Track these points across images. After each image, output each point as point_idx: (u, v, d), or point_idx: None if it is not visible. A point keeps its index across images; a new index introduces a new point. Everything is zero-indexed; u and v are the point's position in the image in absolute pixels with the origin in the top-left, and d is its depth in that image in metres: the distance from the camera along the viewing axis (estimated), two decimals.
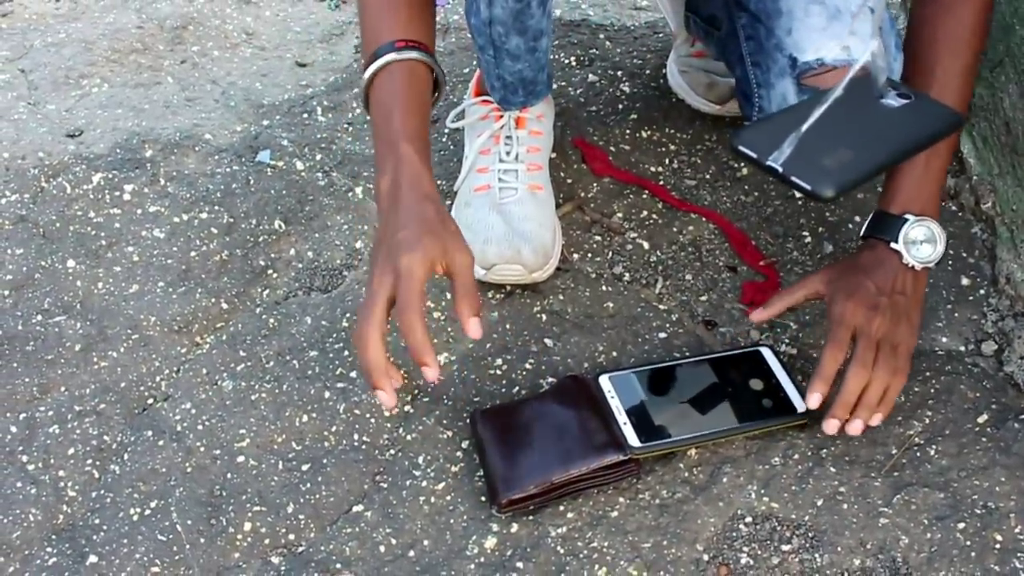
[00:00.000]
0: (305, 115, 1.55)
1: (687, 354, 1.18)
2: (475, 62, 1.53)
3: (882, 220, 1.08)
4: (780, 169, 0.74)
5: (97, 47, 1.68)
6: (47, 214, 1.35)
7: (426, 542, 1.02)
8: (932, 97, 0.93)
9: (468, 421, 1.10)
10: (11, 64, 1.64)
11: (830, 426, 1.04)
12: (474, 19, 1.12)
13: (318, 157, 1.46)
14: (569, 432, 1.06)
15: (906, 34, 1.11)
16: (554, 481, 1.02)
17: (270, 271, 1.30)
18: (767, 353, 1.16)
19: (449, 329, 1.22)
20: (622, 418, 1.06)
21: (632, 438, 1.04)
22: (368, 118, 1.07)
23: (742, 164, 1.42)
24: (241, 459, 1.09)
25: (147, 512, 1.04)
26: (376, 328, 0.93)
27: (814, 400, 1.04)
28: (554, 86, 1.55)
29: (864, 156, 0.78)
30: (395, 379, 0.95)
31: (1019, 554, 0.99)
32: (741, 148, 0.76)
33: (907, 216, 1.06)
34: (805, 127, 0.74)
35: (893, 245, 1.06)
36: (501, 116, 1.32)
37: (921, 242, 1.07)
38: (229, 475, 1.07)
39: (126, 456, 1.09)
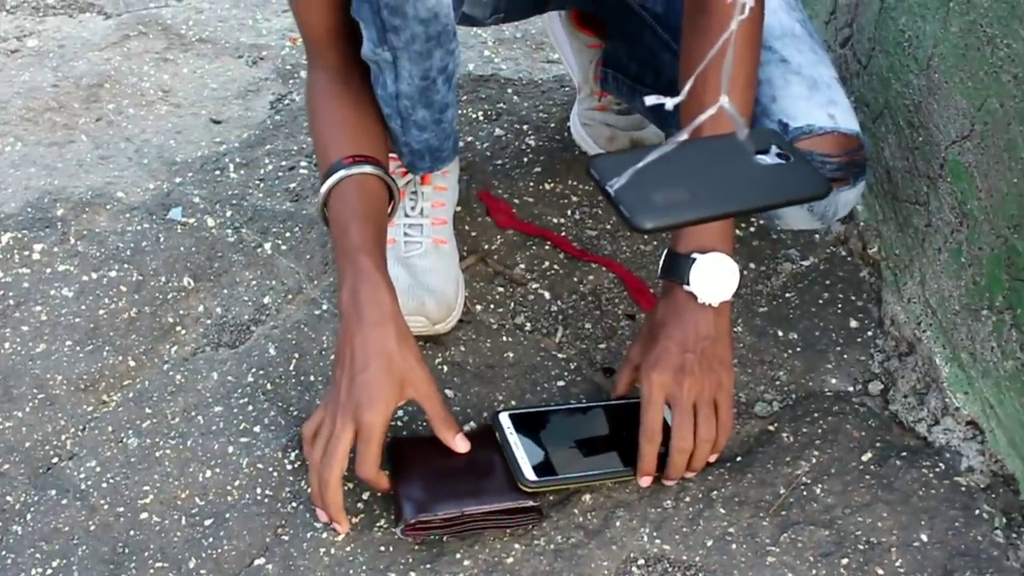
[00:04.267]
0: (217, 172, 1.57)
1: (584, 400, 1.22)
2: None
3: (673, 261, 1.11)
4: (612, 194, 0.78)
5: (11, 106, 1.70)
6: None
7: None
8: (808, 161, 0.98)
9: (386, 448, 1.12)
10: None
11: (645, 482, 1.11)
12: (381, 91, 1.15)
13: (228, 214, 1.48)
14: (485, 471, 1.09)
15: (680, 63, 1.16)
16: (465, 512, 1.04)
17: (178, 328, 1.32)
18: None
19: None
20: (519, 453, 1.09)
21: (528, 472, 1.07)
22: (326, 230, 1.16)
23: None
24: (144, 516, 1.10)
25: (49, 572, 1.05)
26: (339, 474, 1.05)
27: (644, 482, 1.11)
28: (461, 142, 1.59)
29: (700, 201, 0.82)
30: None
31: None
32: (591, 170, 0.80)
33: (694, 256, 1.08)
34: (645, 162, 0.78)
35: (686, 287, 1.09)
36: (407, 173, 1.35)
37: (713, 279, 1.09)
38: (132, 532, 1.09)
39: (29, 516, 1.10)
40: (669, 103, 0.69)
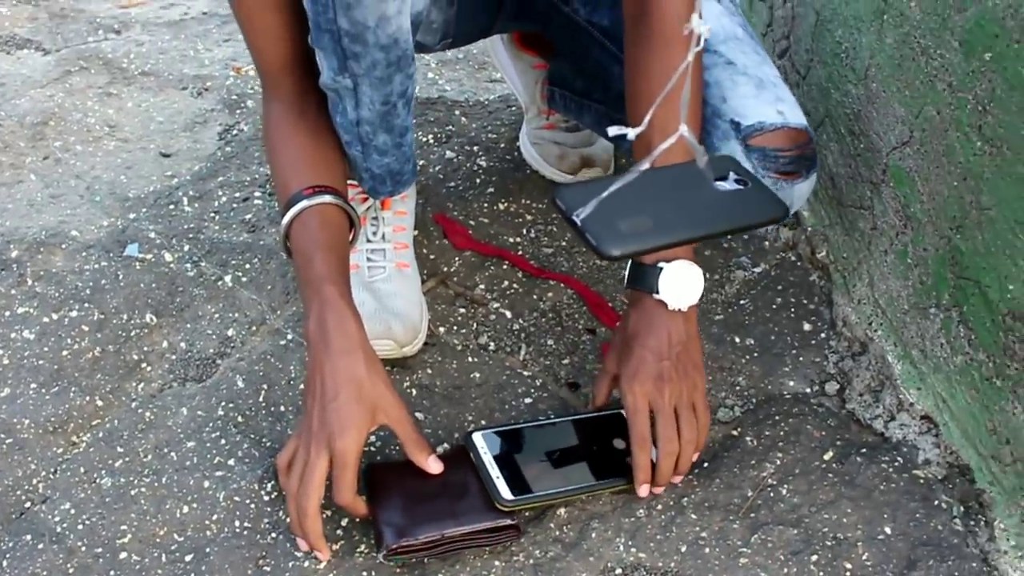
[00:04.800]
0: (171, 206, 1.58)
1: (552, 416, 1.24)
2: None
3: (639, 272, 1.15)
4: (578, 223, 0.81)
5: None
6: None
7: None
8: (766, 186, 1.02)
9: (362, 473, 1.14)
10: None
11: (644, 491, 1.14)
12: (340, 118, 1.16)
13: (186, 248, 1.49)
14: (462, 492, 1.11)
15: (626, 76, 1.19)
16: (444, 534, 1.06)
17: (144, 365, 1.32)
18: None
19: None
20: (494, 472, 1.11)
21: (505, 492, 1.09)
22: (289, 260, 1.18)
23: None
24: (124, 555, 1.10)
25: None
26: (317, 502, 1.06)
27: (644, 491, 1.14)
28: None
29: (663, 227, 0.85)
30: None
31: None
32: (556, 201, 0.83)
33: (661, 265, 1.12)
34: (608, 191, 0.81)
35: (656, 296, 1.13)
36: (367, 198, 1.37)
37: (681, 285, 1.13)
38: (112, 572, 1.09)
39: (5, 563, 1.10)
40: (631, 133, 0.72)
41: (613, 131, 0.73)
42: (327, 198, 1.14)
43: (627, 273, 1.17)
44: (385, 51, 1.08)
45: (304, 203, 1.14)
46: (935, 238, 1.14)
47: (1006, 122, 0.98)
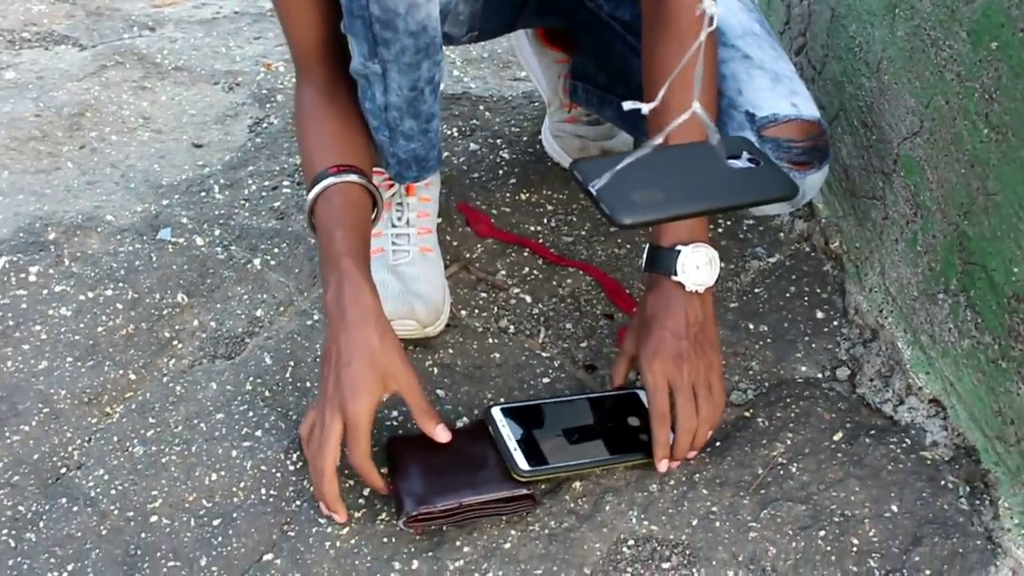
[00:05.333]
0: (203, 193, 1.63)
1: (568, 394, 1.28)
2: None
3: (657, 255, 1.19)
4: (594, 192, 0.85)
5: None
6: None
7: None
8: (777, 166, 1.06)
9: (383, 447, 1.18)
10: None
11: (663, 466, 1.18)
12: (369, 104, 1.21)
13: (217, 232, 1.54)
14: (479, 463, 1.15)
15: (642, 61, 1.24)
16: (462, 503, 1.10)
17: (175, 342, 1.37)
18: (642, 395, 1.26)
19: None
20: (512, 444, 1.15)
21: (522, 462, 1.13)
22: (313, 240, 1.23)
23: None
24: (154, 519, 1.15)
25: (64, 575, 1.10)
26: (332, 464, 1.11)
27: (663, 466, 1.18)
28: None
29: (675, 199, 0.90)
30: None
31: (874, 555, 1.10)
32: (574, 172, 0.88)
33: (679, 248, 1.17)
34: (623, 164, 0.85)
35: (674, 278, 1.17)
36: (392, 185, 1.42)
37: (698, 267, 1.17)
38: (143, 535, 1.13)
39: (41, 524, 1.14)
40: (645, 108, 0.76)
41: (628, 105, 0.77)
42: (352, 177, 1.19)
43: (645, 257, 1.21)
44: (414, 37, 1.12)
45: (330, 180, 1.18)
46: (944, 225, 1.17)
47: (1012, 109, 1.01)
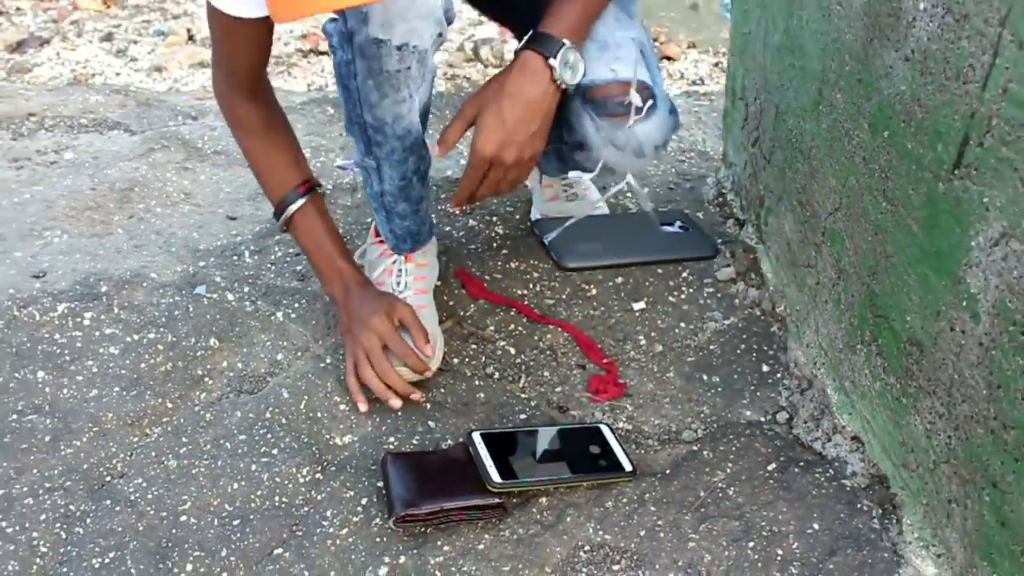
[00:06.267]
0: (235, 257, 1.86)
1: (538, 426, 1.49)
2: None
3: (543, 39, 1.38)
4: (546, 242, 1.11)
5: (57, 205, 1.99)
6: (19, 336, 1.63)
7: (332, 573, 1.28)
8: (704, 233, 1.30)
9: (379, 462, 1.40)
10: None
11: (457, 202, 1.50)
12: (369, 190, 1.50)
13: (246, 290, 1.77)
14: (460, 476, 1.36)
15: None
16: (443, 507, 1.30)
17: (206, 379, 1.59)
18: (605, 429, 1.46)
19: (351, 417, 1.51)
20: (488, 462, 1.36)
21: (495, 476, 1.34)
22: (292, 239, 1.59)
23: (591, 286, 1.75)
24: (184, 518, 1.35)
25: (107, 561, 1.30)
26: (385, 362, 1.47)
27: (455, 203, 1.50)
28: (443, 230, 1.89)
29: (610, 251, 1.16)
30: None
31: (795, 563, 1.29)
32: (534, 228, 1.15)
33: (565, 41, 1.37)
34: (571, 222, 1.10)
35: (551, 61, 1.37)
36: (393, 253, 1.65)
37: (569, 65, 1.37)
38: (174, 531, 1.33)
39: (88, 520, 1.35)
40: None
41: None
42: (318, 191, 1.53)
43: (525, 39, 1.41)
44: (401, 140, 1.40)
45: (301, 201, 1.51)
46: (858, 285, 1.38)
47: (900, 185, 1.24)
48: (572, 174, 1.80)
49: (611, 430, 1.46)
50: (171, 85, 3.12)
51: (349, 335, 1.50)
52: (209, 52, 3.36)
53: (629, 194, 1.82)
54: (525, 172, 1.43)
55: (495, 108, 1.38)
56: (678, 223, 1.19)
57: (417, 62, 1.39)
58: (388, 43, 1.36)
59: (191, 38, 3.57)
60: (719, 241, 1.75)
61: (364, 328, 1.46)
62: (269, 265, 1.85)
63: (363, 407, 1.49)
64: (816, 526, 1.34)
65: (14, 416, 1.49)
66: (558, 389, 1.58)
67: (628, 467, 1.40)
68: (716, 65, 3.34)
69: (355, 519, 1.35)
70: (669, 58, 3.40)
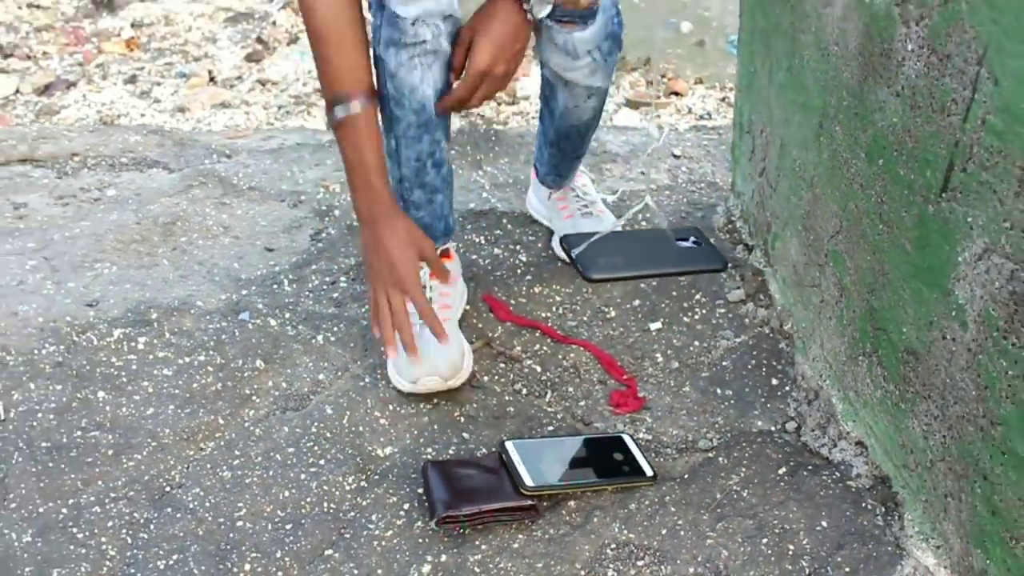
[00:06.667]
0: (275, 286, 1.99)
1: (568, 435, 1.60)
2: None
3: None
4: (573, 256, 1.25)
5: (105, 239, 2.12)
6: (79, 360, 1.75)
7: (379, 571, 1.40)
8: (717, 250, 1.42)
9: (420, 470, 1.52)
10: (36, 253, 2.07)
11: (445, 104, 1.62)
12: (394, 183, 1.65)
13: (287, 315, 1.89)
14: (495, 480, 1.48)
15: None
16: (481, 509, 1.42)
17: (254, 397, 1.71)
18: (627, 438, 1.58)
19: (391, 431, 1.63)
20: (520, 467, 1.47)
21: (528, 480, 1.45)
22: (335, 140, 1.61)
23: (611, 308, 1.87)
24: (240, 523, 1.46)
25: (171, 563, 1.41)
26: (418, 283, 1.56)
27: (440, 107, 1.60)
28: (470, 258, 2.02)
29: (631, 264, 1.29)
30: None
31: (805, 557, 1.40)
32: (562, 242, 1.30)
33: None
34: (596, 237, 1.24)
35: (525, 6, 1.56)
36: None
37: (543, 2, 1.57)
38: (232, 535, 1.45)
39: (152, 527, 1.46)
40: None
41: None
42: (373, 101, 1.57)
43: None
44: (416, 114, 1.55)
45: (356, 106, 1.53)
46: (859, 302, 1.50)
47: (894, 208, 1.36)
48: (582, 191, 1.96)
49: (632, 439, 1.58)
50: (194, 125, 3.26)
51: (372, 269, 1.58)
52: (229, 93, 3.53)
53: (648, 214, 1.96)
54: (506, 84, 1.62)
55: (486, 31, 1.58)
56: (692, 238, 1.33)
57: (431, 36, 1.55)
58: (404, 20, 1.53)
59: (212, 80, 3.72)
60: (730, 265, 1.88)
61: (387, 266, 1.55)
62: (307, 293, 1.97)
63: (391, 354, 1.60)
64: (824, 523, 1.45)
65: (79, 432, 1.61)
66: (582, 403, 1.70)
67: (649, 472, 1.51)
68: (723, 100, 3.48)
69: (399, 522, 1.47)
70: (677, 93, 3.54)
